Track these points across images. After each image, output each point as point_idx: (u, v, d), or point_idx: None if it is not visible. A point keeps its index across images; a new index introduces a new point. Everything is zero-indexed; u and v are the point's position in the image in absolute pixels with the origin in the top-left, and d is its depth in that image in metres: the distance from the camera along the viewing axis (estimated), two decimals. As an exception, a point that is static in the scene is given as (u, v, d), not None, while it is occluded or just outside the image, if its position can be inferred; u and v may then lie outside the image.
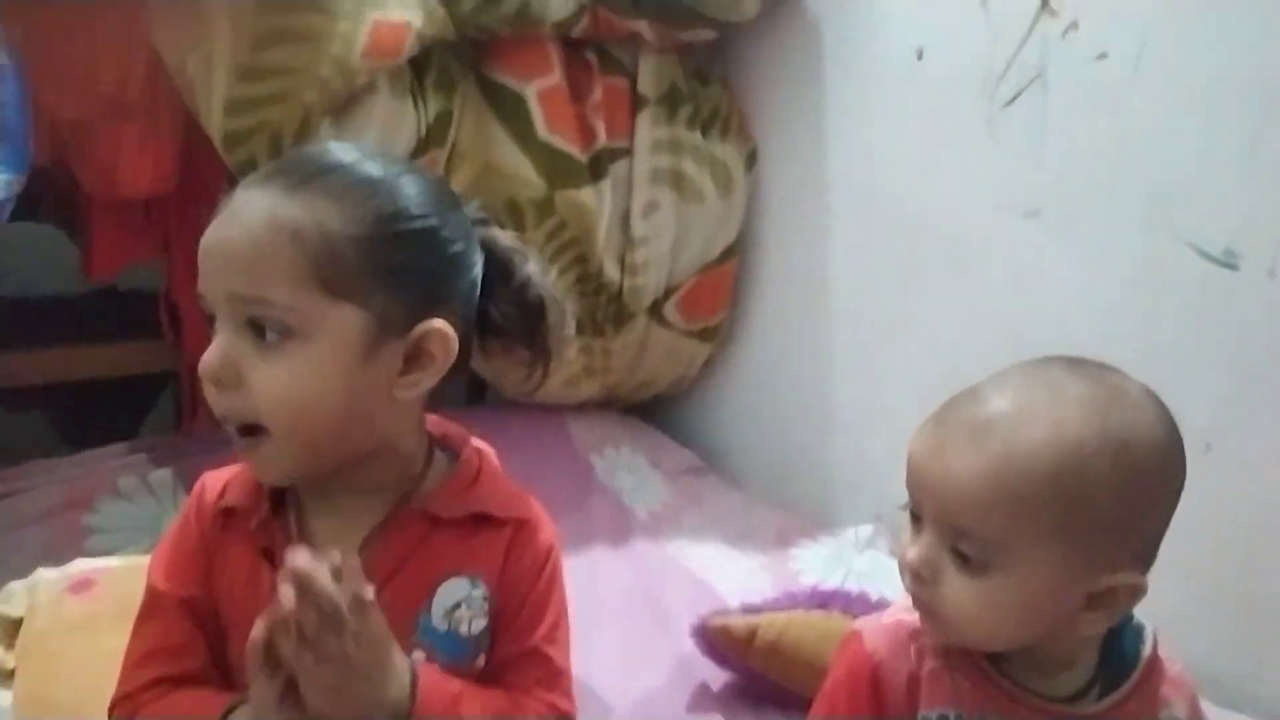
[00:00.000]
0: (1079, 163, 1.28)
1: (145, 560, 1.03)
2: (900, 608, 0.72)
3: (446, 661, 0.65)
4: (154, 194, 1.26)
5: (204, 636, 0.68)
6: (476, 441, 0.73)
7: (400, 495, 0.67)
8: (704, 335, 1.73)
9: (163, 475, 1.34)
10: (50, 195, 1.32)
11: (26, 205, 1.23)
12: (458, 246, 0.66)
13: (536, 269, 0.71)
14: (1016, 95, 1.32)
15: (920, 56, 1.43)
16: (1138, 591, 0.61)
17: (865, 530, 1.51)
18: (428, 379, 0.65)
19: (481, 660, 0.68)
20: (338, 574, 0.56)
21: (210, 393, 0.62)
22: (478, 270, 0.68)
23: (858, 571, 1.42)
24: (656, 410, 1.86)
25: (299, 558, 0.55)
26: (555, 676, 0.69)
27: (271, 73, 1.15)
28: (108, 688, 0.75)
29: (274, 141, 1.16)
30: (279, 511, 0.67)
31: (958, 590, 0.62)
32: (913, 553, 0.64)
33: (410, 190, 0.64)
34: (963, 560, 0.62)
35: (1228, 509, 1.10)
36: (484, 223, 0.71)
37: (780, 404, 1.73)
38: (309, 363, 0.60)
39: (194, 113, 1.19)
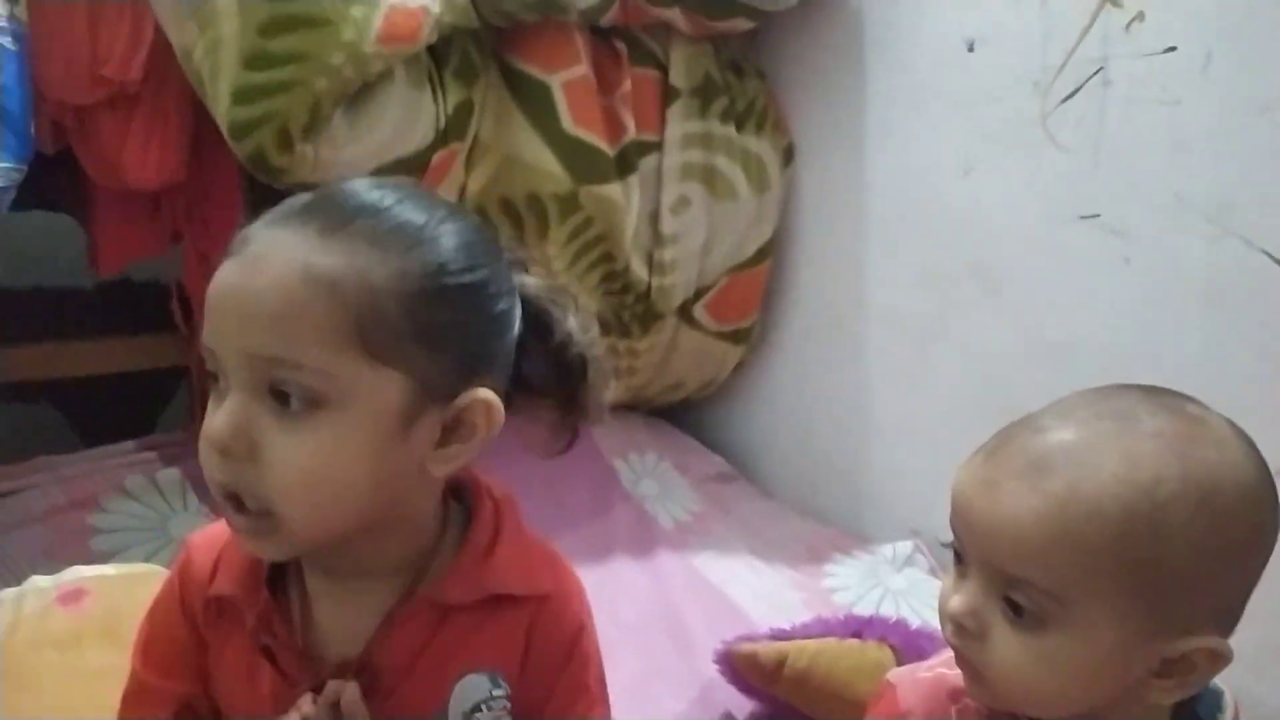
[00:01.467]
0: (1140, 163, 1.19)
1: (143, 569, 1.00)
2: (941, 660, 0.65)
3: None
4: (162, 184, 1.21)
5: None
6: (493, 490, 0.65)
7: (411, 576, 0.60)
8: (735, 338, 1.67)
9: (170, 475, 1.31)
10: (61, 185, 1.28)
11: (39, 194, 1.20)
12: (503, 303, 0.59)
13: (576, 323, 0.63)
14: (1075, 91, 1.24)
15: (971, 48, 1.35)
16: (1218, 659, 0.54)
17: (904, 547, 1.44)
18: (467, 452, 0.57)
19: None
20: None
21: (212, 460, 0.53)
22: (518, 326, 0.61)
23: (895, 590, 1.36)
24: (684, 414, 1.80)
25: None
26: None
27: (280, 59, 1.09)
28: (86, 709, 0.71)
29: (282, 131, 1.10)
30: (278, 598, 0.60)
31: (1008, 647, 0.55)
32: (956, 601, 0.57)
33: (456, 239, 0.56)
34: (1015, 612, 0.55)
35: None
36: (517, 266, 0.63)
37: (814, 411, 1.66)
38: (339, 436, 0.52)
39: (203, 101, 1.14)
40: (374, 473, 0.54)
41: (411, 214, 0.56)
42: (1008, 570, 0.54)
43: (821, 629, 1.10)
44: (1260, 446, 0.56)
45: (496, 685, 0.59)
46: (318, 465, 0.52)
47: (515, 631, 0.60)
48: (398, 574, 0.60)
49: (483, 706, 0.59)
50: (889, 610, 1.25)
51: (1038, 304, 1.31)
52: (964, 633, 0.57)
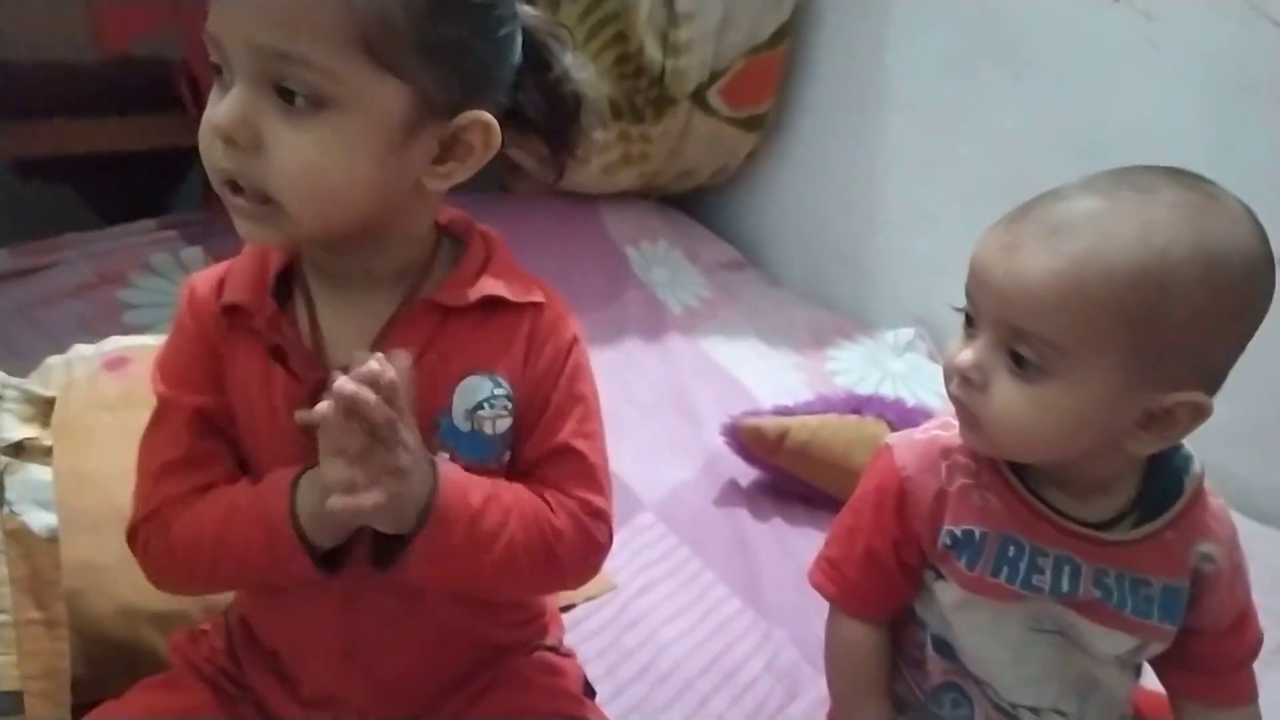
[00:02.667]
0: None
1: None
2: (936, 424, 0.70)
3: (471, 461, 0.62)
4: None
5: (222, 444, 0.64)
6: (482, 227, 0.67)
7: (409, 285, 0.62)
8: (749, 124, 1.64)
9: (193, 253, 1.33)
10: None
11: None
12: (507, 28, 0.59)
13: (575, 60, 0.63)
14: None
15: None
16: (1200, 412, 0.58)
17: (905, 333, 1.49)
18: (463, 171, 0.59)
19: (507, 456, 0.65)
20: (375, 383, 0.54)
21: (215, 149, 0.54)
22: (518, 55, 0.61)
23: (894, 374, 1.42)
24: (696, 202, 1.80)
25: (345, 385, 0.53)
26: (588, 471, 0.65)
27: None
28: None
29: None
30: (286, 305, 0.62)
31: (1008, 396, 0.59)
32: (965, 355, 0.61)
33: None
34: (1017, 364, 0.59)
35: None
36: None
37: (826, 199, 1.67)
38: (342, 136, 0.54)
39: None
40: (372, 176, 0.56)
41: None
42: (1018, 324, 0.58)
43: (823, 405, 1.16)
44: (1268, 231, 0.58)
45: (498, 385, 0.62)
46: (320, 161, 0.54)
47: (514, 336, 0.63)
48: (396, 283, 0.62)
49: (485, 404, 0.61)
50: (887, 392, 1.31)
51: (1058, 87, 1.29)
52: (968, 384, 0.61)
